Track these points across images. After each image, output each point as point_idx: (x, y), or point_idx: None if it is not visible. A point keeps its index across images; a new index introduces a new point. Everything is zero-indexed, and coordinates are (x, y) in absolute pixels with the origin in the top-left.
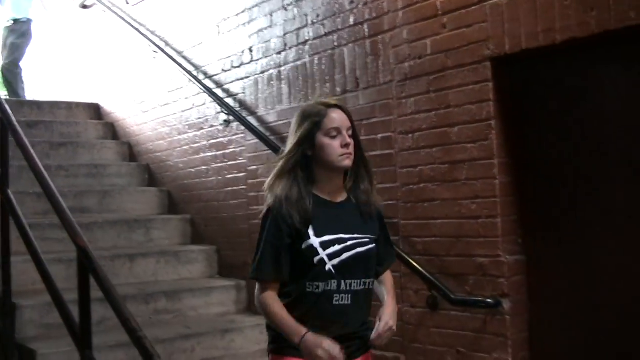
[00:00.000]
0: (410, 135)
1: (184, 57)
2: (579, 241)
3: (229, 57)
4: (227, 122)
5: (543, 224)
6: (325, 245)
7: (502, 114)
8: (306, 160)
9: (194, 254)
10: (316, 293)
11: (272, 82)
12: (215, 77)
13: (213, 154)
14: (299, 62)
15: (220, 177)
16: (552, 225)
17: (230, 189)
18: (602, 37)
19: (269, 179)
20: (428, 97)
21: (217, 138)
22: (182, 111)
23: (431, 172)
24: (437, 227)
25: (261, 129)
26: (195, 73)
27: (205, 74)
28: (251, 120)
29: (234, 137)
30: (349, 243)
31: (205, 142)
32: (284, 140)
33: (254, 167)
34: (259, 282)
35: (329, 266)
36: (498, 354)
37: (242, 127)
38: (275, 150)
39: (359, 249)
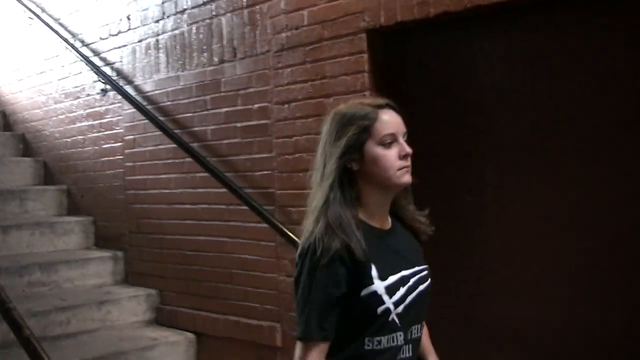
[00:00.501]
0: (286, 106)
1: (61, 24)
2: (452, 211)
3: (107, 24)
4: (104, 91)
5: (416, 196)
6: (390, 290)
7: (377, 86)
8: (349, 177)
9: (69, 225)
10: (377, 350)
11: (149, 51)
12: (92, 45)
13: (89, 123)
14: (177, 31)
15: (96, 147)
16: (425, 197)
17: (106, 159)
18: (475, 11)
19: (311, 206)
20: (304, 67)
21: (94, 107)
22: (59, 79)
23: (306, 143)
24: None
25: (138, 98)
26: (72, 41)
27: (82, 41)
28: (128, 89)
29: (110, 107)
30: (412, 282)
31: (81, 112)
32: (161, 109)
33: (131, 136)
34: (304, 343)
35: (392, 316)
36: None
37: (119, 97)
38: (152, 120)
39: (421, 287)
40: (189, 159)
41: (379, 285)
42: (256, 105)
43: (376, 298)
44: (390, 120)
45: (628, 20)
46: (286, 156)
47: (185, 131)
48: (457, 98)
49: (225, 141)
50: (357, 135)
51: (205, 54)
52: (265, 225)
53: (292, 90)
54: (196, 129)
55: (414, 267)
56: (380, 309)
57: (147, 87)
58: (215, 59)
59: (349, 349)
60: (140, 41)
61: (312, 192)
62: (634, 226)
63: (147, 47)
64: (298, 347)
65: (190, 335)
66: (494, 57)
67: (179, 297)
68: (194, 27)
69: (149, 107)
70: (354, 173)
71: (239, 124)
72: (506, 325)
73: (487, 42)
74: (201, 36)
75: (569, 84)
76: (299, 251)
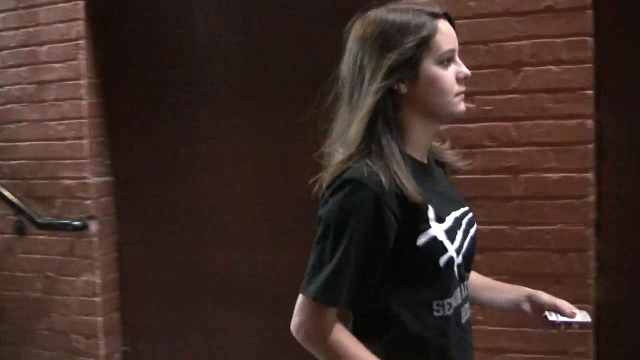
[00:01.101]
0: None
1: None
2: (167, 160)
3: None
4: None
5: (131, 144)
6: (450, 234)
7: (93, 35)
8: (392, 101)
9: None
10: (446, 317)
11: None
12: None
13: None
14: None
15: None
16: (140, 146)
17: None
18: None
19: (338, 136)
20: (17, 14)
21: None
22: None
23: (18, 92)
24: (23, 150)
25: None
26: None
27: None
28: None
29: None
30: (464, 225)
31: None
32: None
33: None
34: (320, 305)
35: (455, 268)
36: (86, 276)
37: None
38: None
39: (472, 232)
40: None
41: (437, 229)
42: None
43: (436, 245)
44: (450, 34)
45: None
46: None
47: None
48: (175, 48)
49: None
50: (414, 49)
51: None
52: None
53: (4, 38)
54: None
55: (461, 207)
56: (443, 259)
57: None
58: None
59: (413, 322)
60: None
61: (339, 119)
62: None
63: None
64: (309, 306)
65: None
66: (211, 8)
67: None
68: None
69: None
70: (398, 97)
71: None
72: (221, 275)
73: None
74: None
75: (284, 38)
76: (326, 184)
